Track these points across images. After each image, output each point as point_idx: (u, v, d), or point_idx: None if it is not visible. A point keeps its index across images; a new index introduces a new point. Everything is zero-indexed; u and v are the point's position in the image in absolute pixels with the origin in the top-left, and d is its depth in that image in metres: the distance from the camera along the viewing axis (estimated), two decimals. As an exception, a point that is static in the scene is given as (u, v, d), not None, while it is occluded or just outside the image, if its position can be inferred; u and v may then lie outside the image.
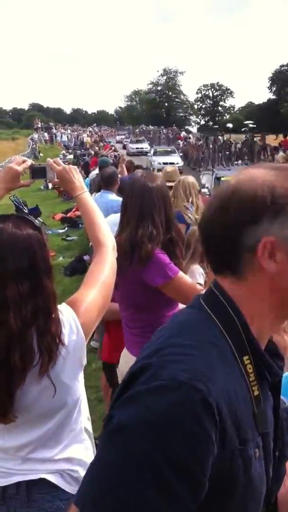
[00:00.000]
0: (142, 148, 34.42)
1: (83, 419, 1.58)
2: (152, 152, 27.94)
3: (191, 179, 4.54)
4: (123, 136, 51.13)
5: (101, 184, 5.48)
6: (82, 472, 1.53)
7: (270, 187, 0.87)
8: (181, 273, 2.30)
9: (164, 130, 47.47)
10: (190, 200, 4.32)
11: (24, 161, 1.85)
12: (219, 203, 0.93)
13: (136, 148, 34.74)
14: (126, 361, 2.51)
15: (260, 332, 0.93)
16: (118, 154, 9.57)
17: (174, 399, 0.79)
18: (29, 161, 1.86)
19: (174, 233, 2.39)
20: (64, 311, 1.49)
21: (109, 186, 5.18)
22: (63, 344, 1.43)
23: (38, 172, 1.88)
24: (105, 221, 1.83)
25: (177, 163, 23.01)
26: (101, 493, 0.80)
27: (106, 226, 1.81)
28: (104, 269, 1.66)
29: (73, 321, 1.48)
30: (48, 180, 1.89)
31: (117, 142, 42.21)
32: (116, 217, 3.64)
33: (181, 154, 28.70)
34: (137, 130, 53.58)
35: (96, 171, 8.42)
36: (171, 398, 0.79)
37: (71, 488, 1.51)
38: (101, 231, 1.77)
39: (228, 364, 0.88)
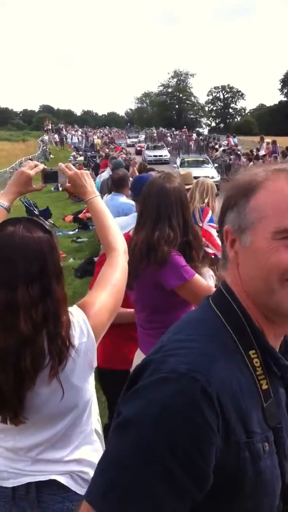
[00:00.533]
0: (162, 156, 32.00)
1: (93, 420, 1.59)
2: (178, 162, 23.05)
3: (209, 181, 4.52)
4: (135, 139, 49.82)
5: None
6: (92, 474, 1.52)
7: (238, 182, 0.98)
8: (197, 276, 2.29)
9: (175, 132, 47.39)
10: (205, 202, 4.29)
11: (36, 165, 1.86)
12: None
13: (154, 156, 31.63)
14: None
15: (261, 326, 0.95)
16: (129, 157, 9.58)
17: (174, 390, 0.82)
18: (41, 166, 1.88)
19: (191, 236, 2.38)
20: (74, 313, 1.50)
21: (120, 188, 5.20)
22: (73, 347, 1.43)
23: (50, 176, 1.90)
24: (116, 225, 1.84)
25: (213, 177, 15.66)
26: (108, 485, 0.83)
27: (118, 230, 1.82)
28: (115, 273, 1.67)
29: (84, 324, 1.49)
30: (60, 184, 1.90)
31: (128, 145, 40.49)
32: (123, 220, 3.65)
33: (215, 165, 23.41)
34: (154, 134, 47.98)
35: (106, 172, 8.44)
36: (171, 389, 0.82)
37: (82, 490, 1.51)
38: (112, 235, 1.78)
39: (232, 358, 0.89)
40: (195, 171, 17.03)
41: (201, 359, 0.85)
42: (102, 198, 4.81)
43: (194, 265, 2.37)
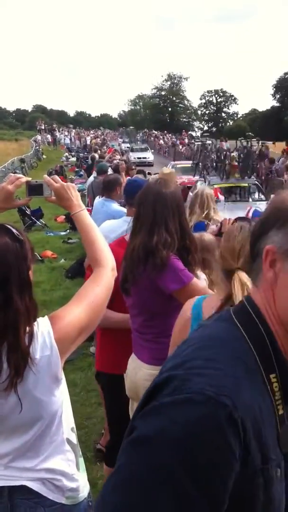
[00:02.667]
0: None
1: (65, 430, 1.57)
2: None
3: (208, 190, 4.50)
4: (145, 154, 34.84)
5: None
6: (65, 481, 1.54)
7: (282, 202, 0.95)
8: (195, 279, 2.32)
9: (168, 135, 47.26)
10: (205, 214, 4.28)
11: (17, 179, 1.78)
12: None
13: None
14: (134, 367, 2.51)
15: (286, 352, 0.92)
16: (118, 162, 9.49)
17: (200, 413, 0.79)
18: (24, 178, 1.81)
19: (188, 240, 2.39)
20: (41, 324, 1.48)
21: (111, 192, 5.19)
22: (33, 360, 1.41)
23: (34, 189, 1.83)
24: (104, 240, 1.80)
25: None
26: (120, 503, 0.79)
27: (106, 245, 1.78)
28: (97, 290, 1.63)
29: (48, 336, 1.46)
30: (45, 197, 1.82)
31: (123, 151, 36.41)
32: (112, 224, 3.65)
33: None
34: (138, 136, 47.28)
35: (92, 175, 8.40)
36: (197, 412, 0.79)
37: (54, 496, 1.52)
38: (100, 250, 1.74)
39: (254, 381, 0.87)
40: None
41: (228, 382, 0.83)
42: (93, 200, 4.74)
43: (192, 269, 2.39)
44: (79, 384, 4.50)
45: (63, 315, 1.52)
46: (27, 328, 1.41)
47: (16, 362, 1.38)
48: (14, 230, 1.44)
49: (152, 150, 37.30)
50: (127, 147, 35.01)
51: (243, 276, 1.56)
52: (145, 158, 31.92)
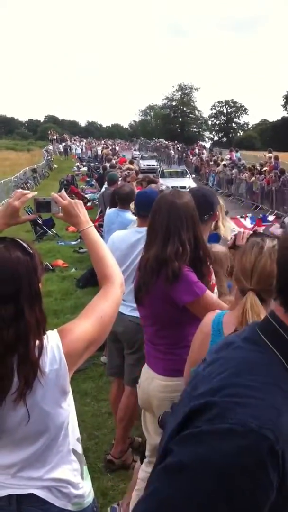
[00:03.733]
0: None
1: (71, 440, 1.58)
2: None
3: (220, 202, 4.51)
4: (152, 161, 37.81)
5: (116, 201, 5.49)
6: (71, 489, 1.56)
7: None
8: (208, 291, 2.31)
9: (177, 145, 47.56)
10: (219, 224, 4.29)
11: (24, 195, 1.79)
12: None
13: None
14: (147, 377, 2.51)
15: None
16: (128, 172, 9.48)
17: (242, 445, 0.79)
18: (30, 194, 1.81)
19: (201, 251, 2.40)
20: (50, 338, 1.49)
21: (126, 204, 5.21)
22: (42, 373, 1.43)
23: (42, 206, 1.85)
24: (112, 256, 1.81)
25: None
26: None
27: (113, 261, 1.79)
28: (105, 305, 1.64)
29: (57, 350, 1.47)
30: (53, 214, 1.84)
31: (133, 158, 37.91)
32: (122, 234, 3.65)
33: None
34: (149, 145, 50.52)
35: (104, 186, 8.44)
36: (239, 443, 0.79)
37: (61, 503, 1.54)
38: (108, 267, 1.75)
39: None
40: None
41: (269, 413, 0.83)
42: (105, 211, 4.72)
43: (205, 280, 2.39)
44: (90, 394, 4.49)
45: (72, 329, 1.54)
46: (37, 341, 1.43)
47: (26, 374, 1.39)
48: (24, 244, 1.46)
49: (161, 158, 40.58)
50: (147, 165, 36.64)
51: (254, 299, 1.58)
52: (153, 165, 35.07)
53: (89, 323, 1.56)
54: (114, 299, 1.68)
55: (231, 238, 2.45)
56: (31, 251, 1.46)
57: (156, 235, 2.37)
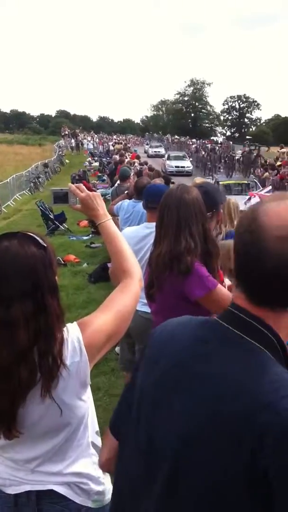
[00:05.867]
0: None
1: (91, 434, 1.58)
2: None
3: (233, 200, 4.53)
4: (157, 149, 44.15)
5: (132, 193, 5.49)
6: (92, 485, 1.56)
7: None
8: (220, 285, 2.31)
9: (190, 140, 47.54)
10: (235, 223, 4.30)
11: (76, 187, 1.79)
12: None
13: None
14: None
15: None
16: (142, 167, 9.48)
17: None
18: (73, 186, 1.80)
19: (210, 245, 2.40)
20: (71, 330, 1.48)
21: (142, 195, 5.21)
22: (64, 365, 1.42)
23: (60, 197, 1.84)
24: (130, 250, 1.78)
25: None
26: None
27: (132, 255, 1.77)
28: (124, 299, 1.62)
29: (78, 342, 1.46)
30: (70, 205, 1.82)
31: (150, 156, 39.44)
32: (132, 230, 3.64)
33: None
34: (174, 142, 52.48)
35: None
36: None
37: (81, 499, 1.53)
38: (127, 260, 1.73)
39: None
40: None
41: None
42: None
43: (215, 274, 2.39)
44: (102, 389, 4.51)
45: (92, 321, 1.53)
46: (58, 334, 1.43)
47: (49, 368, 1.39)
48: (37, 238, 1.45)
49: (165, 147, 46.45)
50: (154, 151, 42.51)
51: None
52: (183, 167, 30.47)
53: (108, 317, 1.55)
54: (134, 293, 1.66)
55: None
56: (45, 245, 1.45)
57: (166, 231, 2.37)
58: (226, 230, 4.13)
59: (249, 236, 0.94)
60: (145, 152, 43.17)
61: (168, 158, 32.49)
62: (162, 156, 38.20)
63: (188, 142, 46.23)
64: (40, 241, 1.44)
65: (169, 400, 1.00)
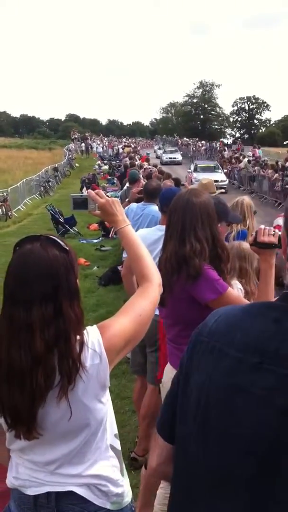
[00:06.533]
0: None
1: (109, 436, 1.58)
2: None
3: (247, 200, 4.51)
4: (175, 155, 40.32)
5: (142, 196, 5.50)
6: (111, 487, 1.56)
7: None
8: (230, 289, 2.31)
9: (199, 142, 47.49)
10: (248, 223, 4.29)
11: (95, 193, 1.82)
12: None
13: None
14: (171, 377, 2.50)
15: None
16: (151, 170, 9.51)
17: None
18: (90, 191, 1.83)
19: (219, 249, 2.39)
20: (91, 333, 1.49)
21: (153, 198, 5.21)
22: (84, 368, 1.43)
23: (79, 203, 1.86)
24: (149, 255, 1.79)
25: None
26: None
27: (151, 261, 1.78)
28: (144, 304, 1.64)
29: (98, 345, 1.47)
30: (89, 211, 1.84)
31: (164, 163, 35.57)
32: (144, 232, 3.64)
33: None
34: (178, 142, 51.87)
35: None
36: None
37: (100, 501, 1.53)
38: (146, 266, 1.74)
39: None
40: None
41: None
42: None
43: (224, 277, 2.38)
44: (113, 392, 4.51)
45: (111, 324, 1.54)
46: (78, 336, 1.44)
47: (68, 370, 1.40)
48: (60, 241, 1.47)
49: (181, 152, 43.71)
50: (169, 158, 40.85)
51: None
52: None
53: (127, 320, 1.56)
54: (153, 298, 1.68)
55: (252, 234, 2.43)
56: (67, 248, 1.46)
57: (173, 233, 2.38)
58: (238, 229, 4.12)
59: None
60: (158, 157, 40.13)
61: (195, 170, 24.95)
62: (179, 163, 36.01)
63: (198, 145, 46.07)
64: (63, 244, 1.46)
65: (253, 383, 0.99)
